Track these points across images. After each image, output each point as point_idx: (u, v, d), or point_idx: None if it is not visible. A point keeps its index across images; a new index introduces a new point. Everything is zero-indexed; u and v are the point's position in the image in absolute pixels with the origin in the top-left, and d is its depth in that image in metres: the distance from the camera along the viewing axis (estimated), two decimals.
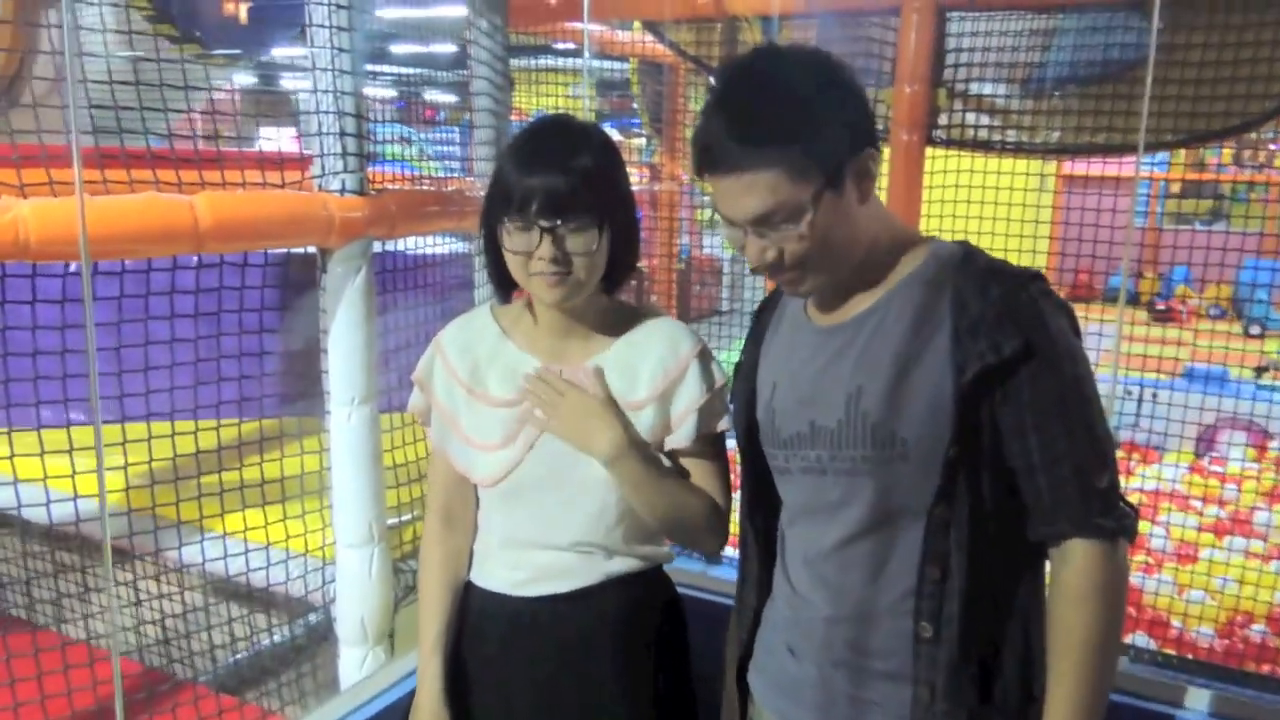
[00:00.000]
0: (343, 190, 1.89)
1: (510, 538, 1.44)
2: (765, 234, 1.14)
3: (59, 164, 1.64)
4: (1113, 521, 1.12)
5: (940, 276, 1.18)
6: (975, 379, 1.11)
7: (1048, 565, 1.18)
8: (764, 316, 1.42)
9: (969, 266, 1.17)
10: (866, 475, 1.19)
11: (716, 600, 1.91)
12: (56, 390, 1.85)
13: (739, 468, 1.43)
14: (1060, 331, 1.12)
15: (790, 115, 1.12)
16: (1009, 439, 1.14)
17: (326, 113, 1.85)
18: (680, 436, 1.44)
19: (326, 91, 1.85)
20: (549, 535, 1.43)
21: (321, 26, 1.82)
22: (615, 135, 8.94)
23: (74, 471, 1.79)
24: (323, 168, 1.88)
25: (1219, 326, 6.70)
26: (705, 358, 1.47)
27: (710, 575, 2.18)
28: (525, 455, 1.41)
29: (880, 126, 2.87)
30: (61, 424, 1.83)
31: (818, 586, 1.27)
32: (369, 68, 2.17)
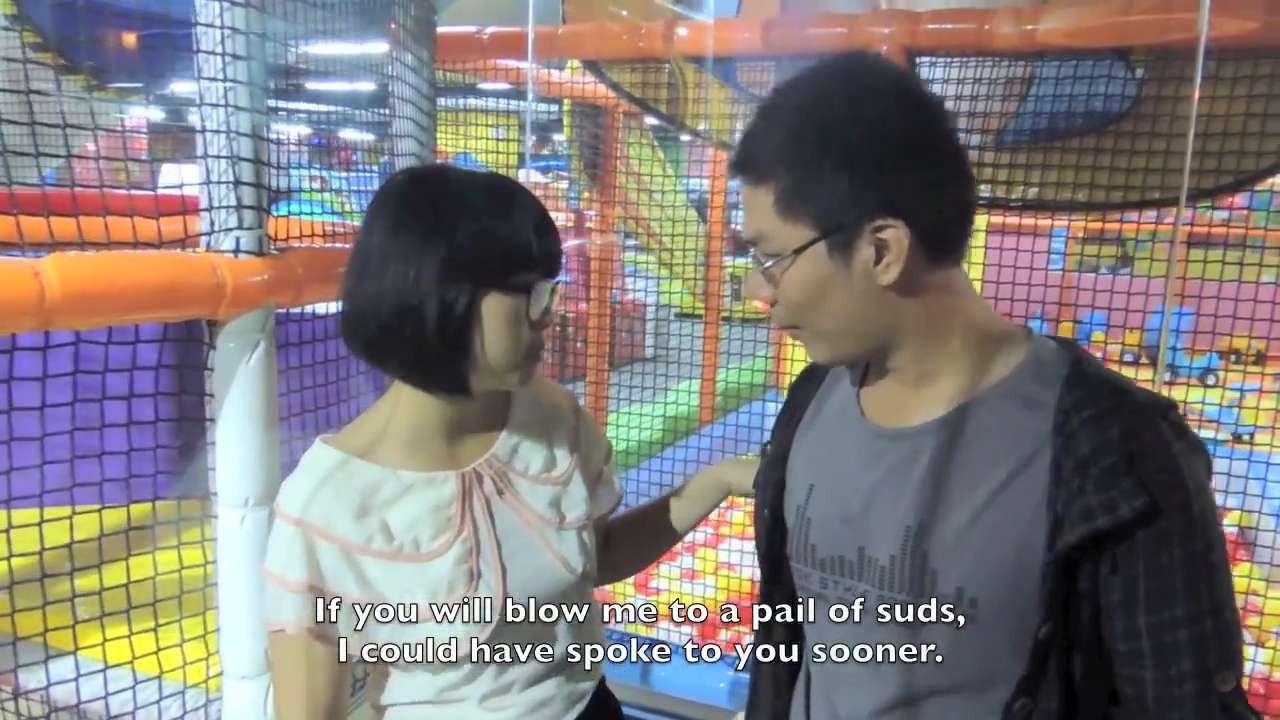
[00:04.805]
0: (236, 250, 1.56)
1: (496, 686, 1.19)
2: (757, 263, 0.99)
3: None
4: None
5: (1040, 392, 0.92)
6: (1080, 544, 0.86)
7: None
8: (801, 392, 1.17)
9: (1080, 384, 0.91)
10: (922, 632, 0.94)
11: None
12: None
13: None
14: (1197, 487, 0.87)
15: (801, 144, 0.91)
16: (1112, 615, 0.88)
17: (218, 157, 1.53)
18: (611, 495, 1.38)
19: (218, 131, 1.53)
20: (538, 662, 1.21)
21: (212, 54, 1.50)
22: (539, 178, 8.74)
23: None
24: (212, 223, 1.55)
25: (1141, 375, 6.66)
26: (576, 399, 1.38)
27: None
28: (501, 582, 1.16)
29: None
30: None
31: None
32: (282, 104, 1.87)
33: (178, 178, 2.08)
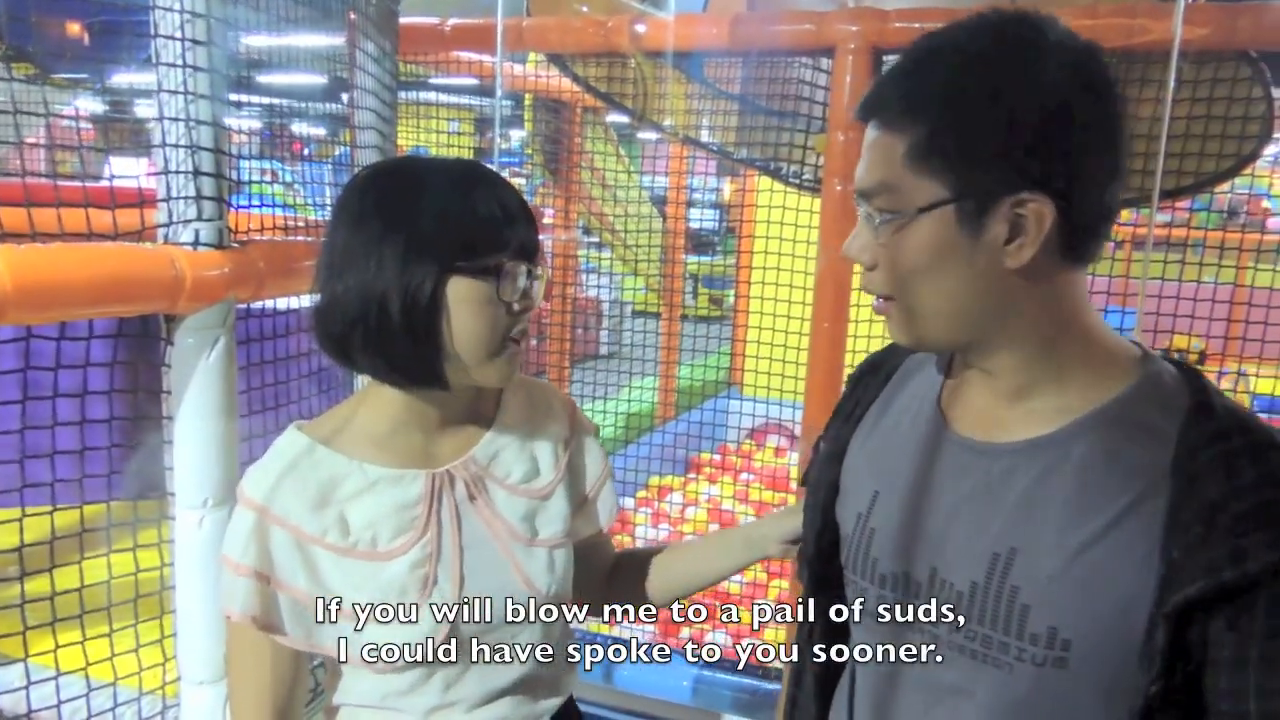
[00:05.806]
0: (196, 242, 1.51)
1: (442, 701, 1.13)
2: (867, 219, 0.87)
3: None
4: None
5: (1157, 421, 0.83)
6: (1199, 596, 0.77)
7: None
8: (864, 387, 1.06)
9: (1206, 417, 0.82)
10: (1000, 670, 0.85)
11: None
12: None
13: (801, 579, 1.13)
14: None
15: (955, 92, 0.81)
16: (1218, 671, 0.80)
17: (177, 146, 1.48)
18: (603, 516, 1.27)
19: (177, 119, 1.47)
20: (491, 681, 1.14)
21: (171, 38, 1.45)
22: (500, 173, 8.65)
23: None
24: (170, 214, 1.50)
25: None
26: (576, 408, 1.29)
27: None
28: (459, 591, 1.10)
29: (810, 175, 2.65)
30: None
31: None
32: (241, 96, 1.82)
33: (135, 170, 2.02)
